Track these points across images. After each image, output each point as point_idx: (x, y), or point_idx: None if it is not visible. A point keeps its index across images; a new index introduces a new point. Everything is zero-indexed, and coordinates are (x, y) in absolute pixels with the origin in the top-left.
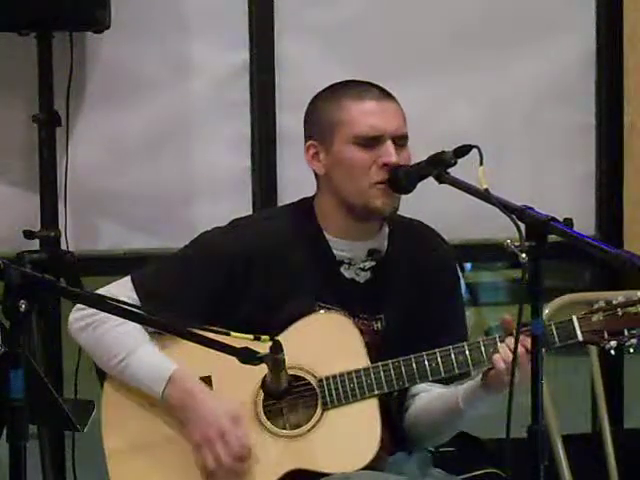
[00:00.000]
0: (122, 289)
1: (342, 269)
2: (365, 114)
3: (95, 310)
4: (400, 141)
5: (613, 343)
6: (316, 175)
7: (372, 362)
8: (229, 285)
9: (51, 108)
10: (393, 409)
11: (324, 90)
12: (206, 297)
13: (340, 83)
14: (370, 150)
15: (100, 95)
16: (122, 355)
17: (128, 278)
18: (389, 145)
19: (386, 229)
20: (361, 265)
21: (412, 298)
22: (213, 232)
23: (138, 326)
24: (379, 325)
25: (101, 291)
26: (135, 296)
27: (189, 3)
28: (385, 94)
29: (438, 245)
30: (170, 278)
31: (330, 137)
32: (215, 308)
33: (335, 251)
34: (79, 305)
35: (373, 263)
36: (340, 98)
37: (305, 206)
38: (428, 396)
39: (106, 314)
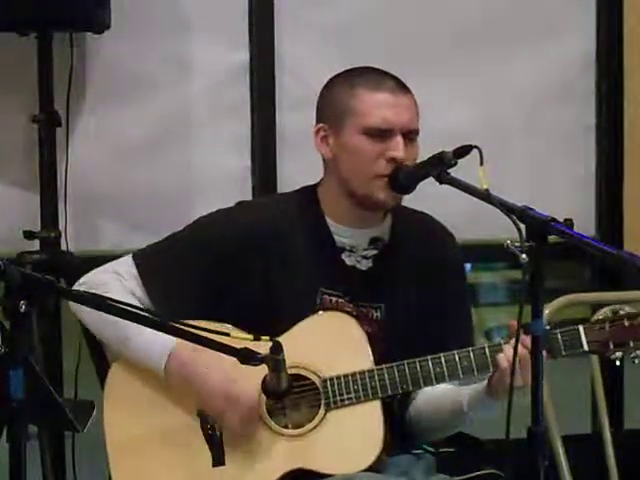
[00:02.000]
0: (123, 265)
1: (343, 256)
2: (378, 106)
3: (96, 284)
4: (410, 135)
5: (618, 354)
6: (323, 159)
7: (372, 351)
8: (223, 267)
9: (51, 108)
10: (395, 409)
11: (340, 74)
12: (202, 279)
13: (357, 69)
14: (379, 142)
15: (100, 95)
16: (124, 330)
17: (129, 255)
18: (399, 140)
19: (390, 219)
20: (363, 253)
21: (414, 290)
22: (215, 213)
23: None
24: (378, 314)
25: (102, 267)
26: (135, 271)
27: (189, 3)
28: (401, 86)
29: (444, 240)
30: (169, 257)
31: (341, 123)
32: (213, 289)
33: (336, 237)
34: (80, 281)
35: (375, 252)
36: (355, 86)
37: (308, 192)
38: (432, 392)
39: (107, 288)
